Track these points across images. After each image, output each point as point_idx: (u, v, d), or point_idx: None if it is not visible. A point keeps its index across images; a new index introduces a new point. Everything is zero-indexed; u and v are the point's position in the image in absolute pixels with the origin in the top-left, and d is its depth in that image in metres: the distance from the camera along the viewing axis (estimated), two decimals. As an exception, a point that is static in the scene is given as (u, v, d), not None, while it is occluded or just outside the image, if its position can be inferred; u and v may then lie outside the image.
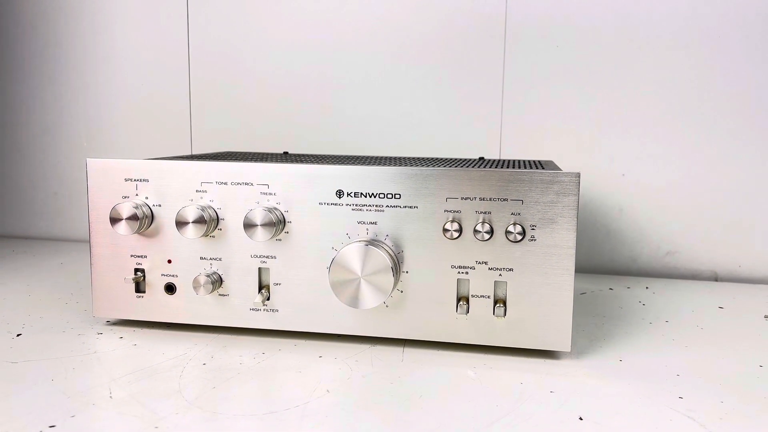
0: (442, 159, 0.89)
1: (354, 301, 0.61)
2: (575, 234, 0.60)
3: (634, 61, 0.97)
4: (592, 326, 0.73)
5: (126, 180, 0.67)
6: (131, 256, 0.68)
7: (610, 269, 1.02)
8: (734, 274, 0.98)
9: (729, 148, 0.96)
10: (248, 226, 0.63)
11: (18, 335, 0.67)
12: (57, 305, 0.78)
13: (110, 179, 0.67)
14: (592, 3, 0.97)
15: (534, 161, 0.83)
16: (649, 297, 0.87)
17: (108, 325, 0.70)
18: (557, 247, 0.60)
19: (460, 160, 0.87)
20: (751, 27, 0.93)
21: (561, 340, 0.61)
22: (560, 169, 0.63)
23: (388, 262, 0.60)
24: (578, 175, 0.59)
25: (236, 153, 0.95)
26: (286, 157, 0.84)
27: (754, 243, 0.97)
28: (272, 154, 0.93)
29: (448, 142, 1.04)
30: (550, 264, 0.60)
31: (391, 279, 0.60)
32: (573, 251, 0.60)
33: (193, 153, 1.06)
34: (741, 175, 0.96)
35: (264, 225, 0.63)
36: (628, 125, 0.98)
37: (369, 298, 0.61)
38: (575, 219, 0.60)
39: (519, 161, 0.84)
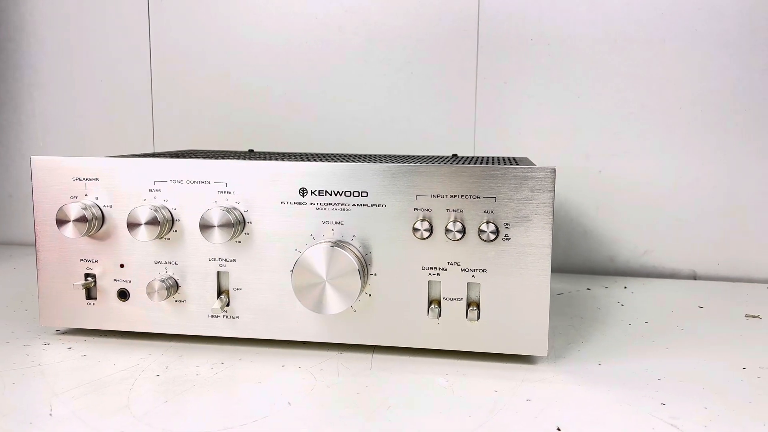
0: (412, 156, 0.85)
1: (319, 306, 0.58)
2: (551, 232, 0.57)
3: (610, 55, 0.94)
4: (570, 328, 0.70)
5: (74, 179, 0.63)
6: (81, 260, 0.64)
7: (587, 269, 0.99)
8: (713, 272, 0.96)
9: (706, 144, 0.94)
10: (205, 227, 0.59)
11: (-43, 347, 0.62)
12: (4, 314, 0.73)
13: (57, 178, 0.63)
14: (567, -4, 0.94)
15: (508, 158, 0.80)
16: (628, 297, 0.84)
17: (57, 334, 0.66)
18: (532, 246, 0.57)
19: (432, 157, 0.83)
20: (729, 21, 0.91)
21: (537, 344, 0.58)
22: (535, 165, 0.60)
23: (355, 264, 0.57)
24: (554, 170, 0.56)
25: (198, 151, 0.91)
26: (250, 155, 0.80)
27: (732, 240, 0.95)
28: (236, 152, 0.89)
29: (420, 140, 1.00)
30: (525, 264, 0.57)
31: (358, 282, 0.57)
32: (549, 251, 0.57)
33: (156, 152, 1.02)
34: (718, 171, 0.94)
35: (222, 226, 0.59)
36: (605, 121, 0.96)
37: (335, 302, 0.57)
38: (551, 217, 0.57)
39: (493, 158, 0.81)
